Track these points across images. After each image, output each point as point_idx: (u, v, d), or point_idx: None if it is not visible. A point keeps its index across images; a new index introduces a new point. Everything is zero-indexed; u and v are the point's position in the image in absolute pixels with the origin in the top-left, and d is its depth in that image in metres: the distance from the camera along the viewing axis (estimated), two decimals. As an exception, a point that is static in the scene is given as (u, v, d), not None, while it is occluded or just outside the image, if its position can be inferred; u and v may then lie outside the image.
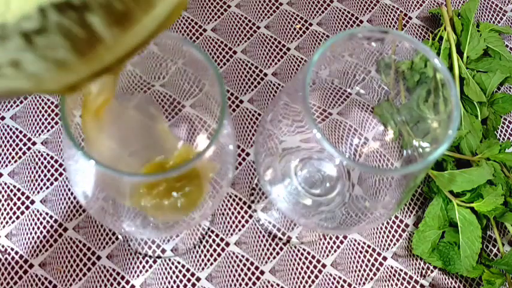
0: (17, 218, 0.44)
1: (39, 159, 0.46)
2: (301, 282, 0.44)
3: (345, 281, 0.44)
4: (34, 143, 0.46)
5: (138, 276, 0.43)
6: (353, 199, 0.38)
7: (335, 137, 0.42)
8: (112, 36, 0.20)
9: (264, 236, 0.45)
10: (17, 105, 0.48)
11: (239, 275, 0.44)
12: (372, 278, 0.45)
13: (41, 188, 0.45)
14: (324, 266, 0.45)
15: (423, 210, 0.47)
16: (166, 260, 0.43)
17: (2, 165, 0.45)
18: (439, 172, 0.45)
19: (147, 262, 0.43)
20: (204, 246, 0.44)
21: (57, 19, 0.18)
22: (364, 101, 0.41)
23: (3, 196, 0.44)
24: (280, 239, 0.45)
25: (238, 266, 0.44)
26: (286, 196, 0.38)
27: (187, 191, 0.31)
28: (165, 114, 0.38)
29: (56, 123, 0.47)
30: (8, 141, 0.46)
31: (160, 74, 0.34)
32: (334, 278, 0.44)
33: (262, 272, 0.44)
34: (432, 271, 0.46)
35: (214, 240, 0.44)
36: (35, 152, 0.46)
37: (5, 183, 0.45)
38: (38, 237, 0.43)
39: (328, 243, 0.46)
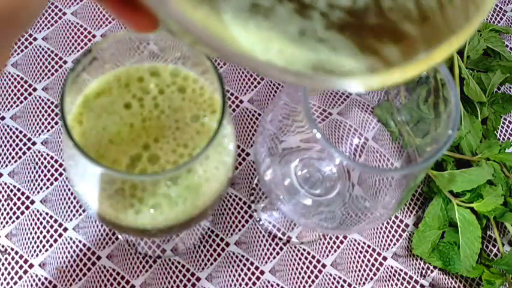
0: (17, 218, 0.44)
1: (39, 159, 0.46)
2: (301, 282, 0.44)
3: (345, 281, 0.44)
4: (34, 143, 0.46)
5: (138, 276, 0.43)
6: (353, 199, 0.38)
7: (335, 137, 0.42)
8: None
9: (264, 236, 0.45)
10: (17, 105, 0.48)
11: (239, 275, 0.44)
12: (372, 278, 0.45)
13: (41, 188, 0.45)
14: (324, 266, 0.45)
15: (423, 210, 0.47)
16: (166, 260, 0.43)
17: (2, 165, 0.45)
18: (439, 172, 0.45)
19: (147, 262, 0.43)
20: (204, 246, 0.44)
21: None
22: (364, 101, 0.41)
23: (3, 196, 0.44)
24: (280, 239, 0.45)
25: (238, 266, 0.44)
26: (286, 196, 0.38)
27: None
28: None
29: (56, 123, 0.47)
30: (8, 141, 0.46)
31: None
32: (334, 278, 0.44)
33: (262, 272, 0.44)
34: (432, 271, 0.46)
35: (214, 240, 0.44)
36: (35, 152, 0.46)
37: (5, 183, 0.45)
38: (38, 237, 0.43)
39: (328, 243, 0.46)
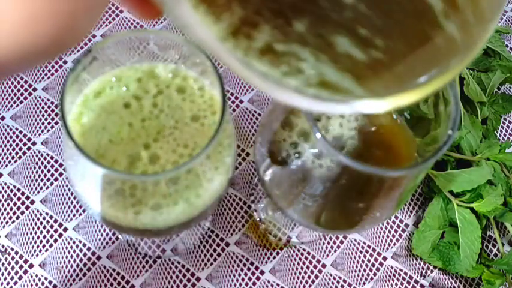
0: (17, 218, 0.44)
1: (39, 159, 0.46)
2: (301, 282, 0.44)
3: (345, 281, 0.44)
4: (34, 143, 0.46)
5: (138, 276, 0.43)
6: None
7: (335, 137, 0.42)
8: None
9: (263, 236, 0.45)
10: (17, 105, 0.48)
11: (239, 275, 0.44)
12: (372, 278, 0.45)
13: (41, 188, 0.45)
14: (324, 266, 0.45)
15: (423, 210, 0.47)
16: (166, 260, 0.43)
17: (2, 165, 0.45)
18: (439, 172, 0.45)
19: (147, 262, 0.43)
20: (204, 246, 0.44)
21: None
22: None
23: (3, 196, 0.44)
24: (280, 239, 0.45)
25: (238, 266, 0.44)
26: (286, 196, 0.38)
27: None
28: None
29: (56, 123, 0.47)
30: (8, 141, 0.46)
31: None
32: (334, 278, 0.44)
33: (262, 272, 0.44)
34: (432, 271, 0.46)
35: (214, 240, 0.44)
36: (35, 152, 0.46)
37: (5, 183, 0.45)
38: (38, 237, 0.43)
39: (328, 243, 0.46)
